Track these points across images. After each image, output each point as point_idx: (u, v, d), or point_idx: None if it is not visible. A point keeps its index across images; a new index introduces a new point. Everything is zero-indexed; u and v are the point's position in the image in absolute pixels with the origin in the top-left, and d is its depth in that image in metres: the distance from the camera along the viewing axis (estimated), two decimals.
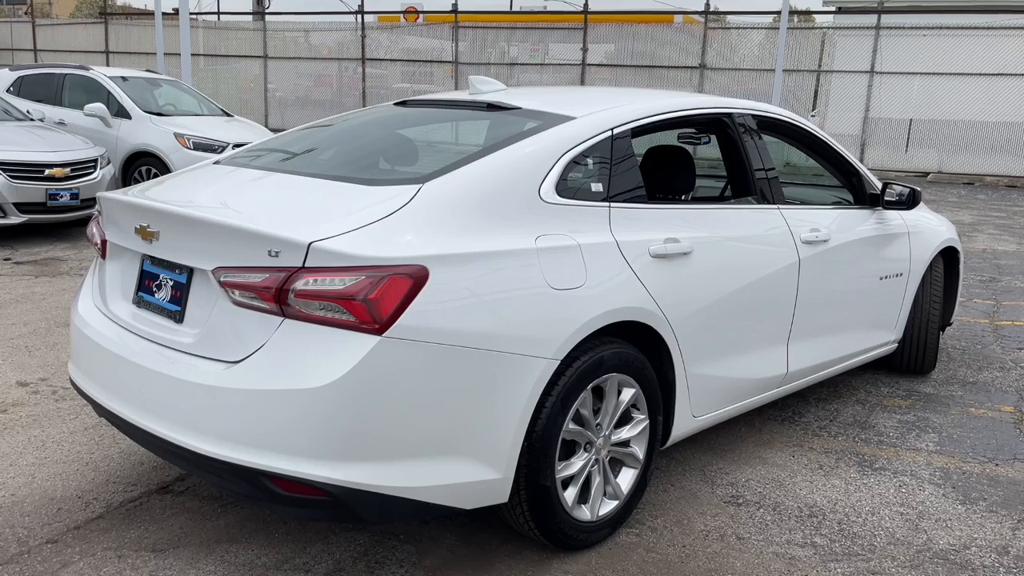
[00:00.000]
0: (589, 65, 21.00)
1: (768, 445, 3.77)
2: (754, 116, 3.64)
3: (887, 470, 3.56)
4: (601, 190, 2.86)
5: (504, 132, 2.90)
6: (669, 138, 4.35)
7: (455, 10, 22.03)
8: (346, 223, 2.31)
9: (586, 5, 20.91)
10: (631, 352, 2.81)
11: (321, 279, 2.20)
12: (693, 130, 4.24)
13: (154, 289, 2.65)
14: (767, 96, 17.58)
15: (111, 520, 2.89)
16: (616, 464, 2.95)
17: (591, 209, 2.78)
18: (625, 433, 2.91)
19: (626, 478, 2.95)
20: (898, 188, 4.13)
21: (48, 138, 8.16)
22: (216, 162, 3.18)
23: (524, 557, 2.76)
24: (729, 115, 3.52)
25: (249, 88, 24.52)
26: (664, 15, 22.21)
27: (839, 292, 3.87)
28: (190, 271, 2.51)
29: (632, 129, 3.05)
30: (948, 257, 4.87)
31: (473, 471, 2.43)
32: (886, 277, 4.23)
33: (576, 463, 2.74)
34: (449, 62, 22.21)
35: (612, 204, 2.86)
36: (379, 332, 2.20)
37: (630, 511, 2.98)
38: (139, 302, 2.71)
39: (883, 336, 4.39)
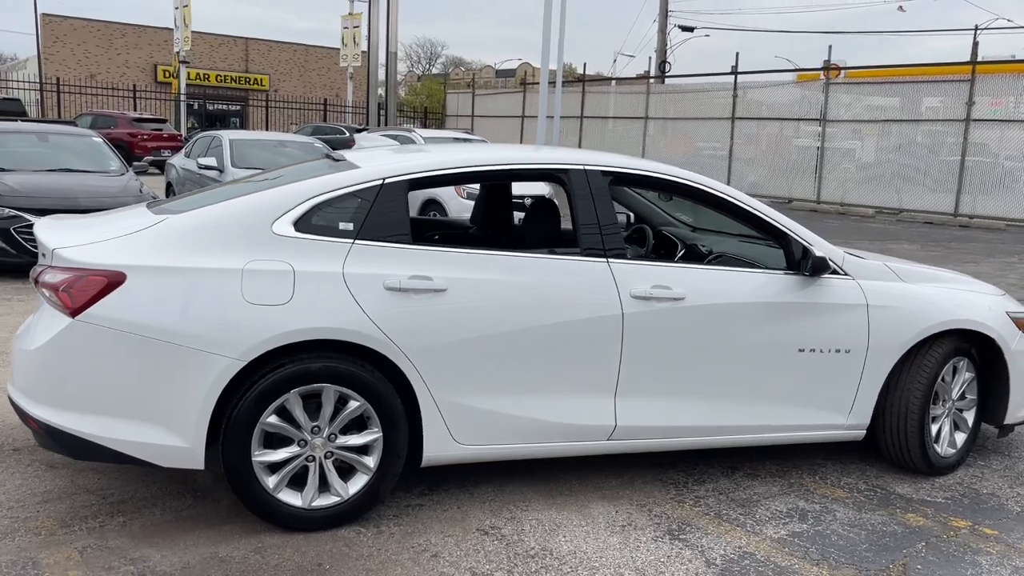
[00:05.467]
0: (975, 121, 18.78)
1: (612, 499, 3.72)
2: (604, 173, 3.72)
3: (680, 540, 3.35)
4: (350, 229, 3.36)
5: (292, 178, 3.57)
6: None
7: (826, 66, 21.37)
8: (96, 238, 3.23)
9: (974, 54, 18.80)
10: (349, 368, 3.25)
11: (53, 274, 3.14)
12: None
13: None
14: None
15: None
16: (349, 468, 3.37)
17: (328, 244, 3.31)
18: (352, 440, 3.33)
19: (357, 483, 3.36)
20: (812, 256, 3.77)
21: None
22: (148, 205, 4.20)
23: (226, 529, 3.30)
24: (565, 171, 3.68)
25: (628, 147, 26.22)
26: None
27: (708, 355, 3.69)
28: None
29: (410, 180, 3.48)
30: (985, 343, 4.13)
31: (161, 437, 3.14)
32: (814, 350, 3.84)
33: (281, 453, 3.26)
34: (816, 120, 21.53)
35: (357, 242, 3.34)
36: (73, 315, 3.07)
37: (359, 513, 3.38)
38: None
39: (823, 416, 3.94)
